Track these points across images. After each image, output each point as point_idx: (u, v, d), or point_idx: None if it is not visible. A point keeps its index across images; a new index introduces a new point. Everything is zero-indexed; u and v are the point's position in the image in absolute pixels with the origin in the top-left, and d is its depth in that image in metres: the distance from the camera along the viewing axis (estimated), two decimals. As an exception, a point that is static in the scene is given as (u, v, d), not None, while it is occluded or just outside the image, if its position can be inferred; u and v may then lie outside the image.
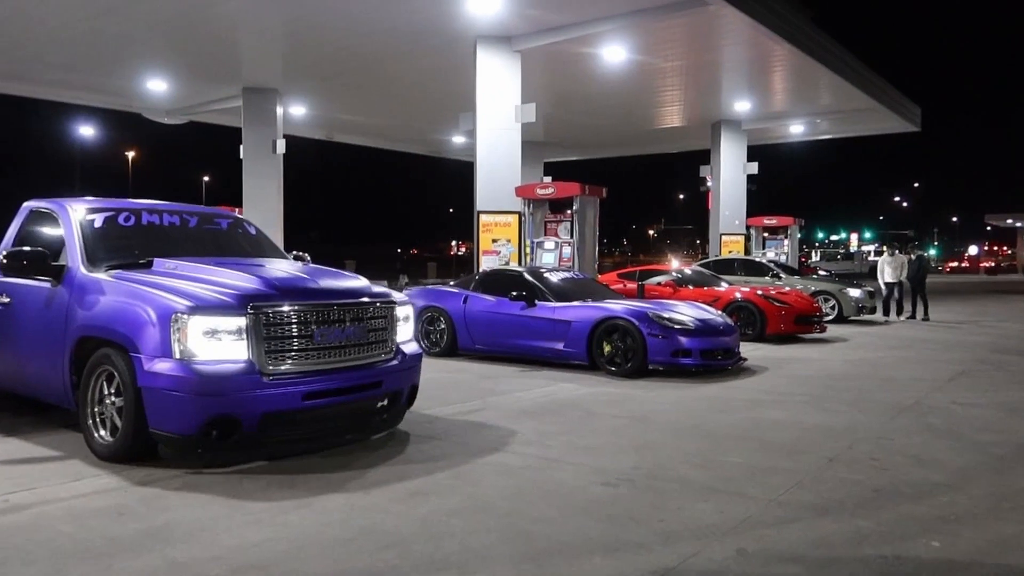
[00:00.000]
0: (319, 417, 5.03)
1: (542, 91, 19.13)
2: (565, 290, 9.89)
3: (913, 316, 16.49)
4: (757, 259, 18.48)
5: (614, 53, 14.74)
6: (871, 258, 55.94)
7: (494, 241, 13.72)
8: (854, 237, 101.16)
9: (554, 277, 10.15)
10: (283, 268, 5.42)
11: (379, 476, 4.56)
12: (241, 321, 4.67)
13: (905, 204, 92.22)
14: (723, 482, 4.44)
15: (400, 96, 18.72)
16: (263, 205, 18.00)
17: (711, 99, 19.72)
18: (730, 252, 21.39)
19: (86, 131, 30.24)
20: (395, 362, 5.49)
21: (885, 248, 17.24)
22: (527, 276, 9.98)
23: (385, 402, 5.47)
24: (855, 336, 13.36)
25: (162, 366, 4.56)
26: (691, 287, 13.59)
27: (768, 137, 24.16)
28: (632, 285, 14.05)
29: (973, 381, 8.36)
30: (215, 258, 5.61)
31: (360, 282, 5.54)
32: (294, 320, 4.85)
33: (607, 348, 8.85)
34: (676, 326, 8.63)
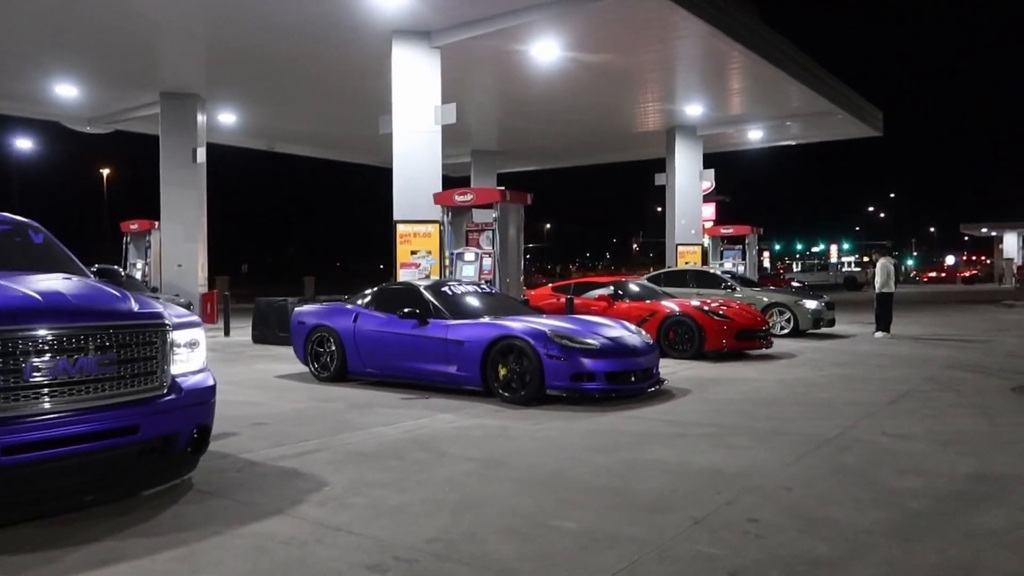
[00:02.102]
0: (38, 475, 3.88)
1: (487, 96, 18.17)
2: (465, 306, 8.78)
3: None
4: (711, 270, 17.47)
5: (546, 49, 13.73)
6: (845, 269, 55.19)
7: (413, 253, 12.61)
8: (833, 248, 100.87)
9: (455, 291, 9.04)
10: (11, 284, 4.27)
11: (78, 559, 3.40)
12: (-90, 353, 3.53)
13: (883, 215, 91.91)
14: (532, 562, 3.32)
15: (326, 100, 17.62)
16: (183, 217, 16.78)
17: (662, 103, 18.76)
18: (687, 263, 20.38)
19: (23, 144, 28.88)
20: (167, 400, 4.35)
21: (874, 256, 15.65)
22: (421, 290, 8.87)
23: (151, 450, 4.34)
24: (805, 351, 12.33)
25: None
26: (628, 301, 12.54)
27: (726, 144, 23.24)
28: (575, 300, 12.98)
29: (915, 404, 7.31)
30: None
31: (122, 303, 4.40)
32: (-6, 350, 3.71)
33: (503, 371, 7.73)
34: (578, 346, 7.53)
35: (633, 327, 8.66)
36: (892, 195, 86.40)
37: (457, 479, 4.71)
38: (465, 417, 6.86)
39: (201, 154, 16.78)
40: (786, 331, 14.94)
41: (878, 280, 14.77)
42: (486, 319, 8.29)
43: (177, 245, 16.68)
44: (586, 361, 7.48)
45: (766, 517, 3.89)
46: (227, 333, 16.39)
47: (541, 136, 22.74)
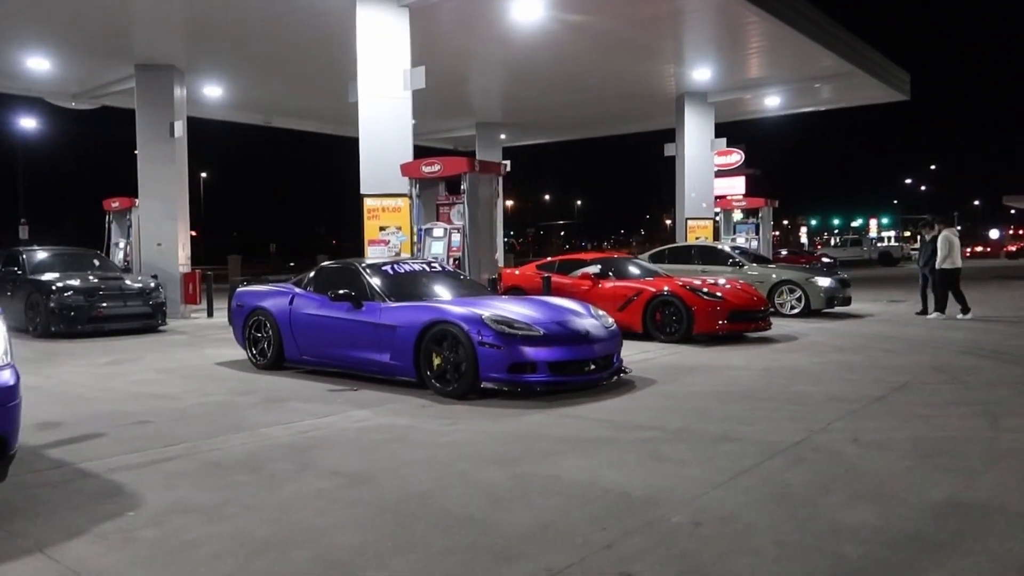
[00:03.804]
0: None
1: (485, 64, 17.15)
2: (409, 288, 7.87)
3: (924, 312, 13.63)
4: (718, 246, 16.32)
5: (528, 6, 12.63)
6: (882, 244, 53.04)
7: (382, 229, 11.72)
8: (873, 223, 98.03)
9: (400, 271, 8.14)
10: None
11: None
12: None
13: (923, 188, 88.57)
14: (286, 645, 2.43)
15: (305, 69, 16.56)
16: (162, 193, 16.02)
17: (668, 67, 17.49)
18: (697, 239, 19.19)
19: (28, 123, 28.50)
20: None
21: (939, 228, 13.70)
22: (360, 270, 7.99)
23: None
24: (810, 333, 11.23)
25: None
26: (614, 280, 11.54)
27: (742, 112, 21.78)
28: (557, 278, 12.02)
29: (908, 400, 6.24)
30: None
31: None
32: None
33: (437, 361, 6.84)
34: (517, 332, 6.58)
35: (598, 311, 7.69)
36: (932, 167, 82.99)
37: (298, 502, 3.83)
38: (379, 414, 5.99)
39: (179, 128, 16.00)
40: (796, 310, 13.81)
41: (940, 254, 13.21)
42: (425, 302, 7.39)
43: (156, 223, 15.97)
44: (528, 350, 6.55)
45: (644, 571, 2.93)
46: (210, 314, 15.75)
47: (546, 106, 21.57)
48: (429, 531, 3.39)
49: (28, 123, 28.12)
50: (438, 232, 10.95)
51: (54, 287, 11.98)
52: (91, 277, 12.66)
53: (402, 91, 11.68)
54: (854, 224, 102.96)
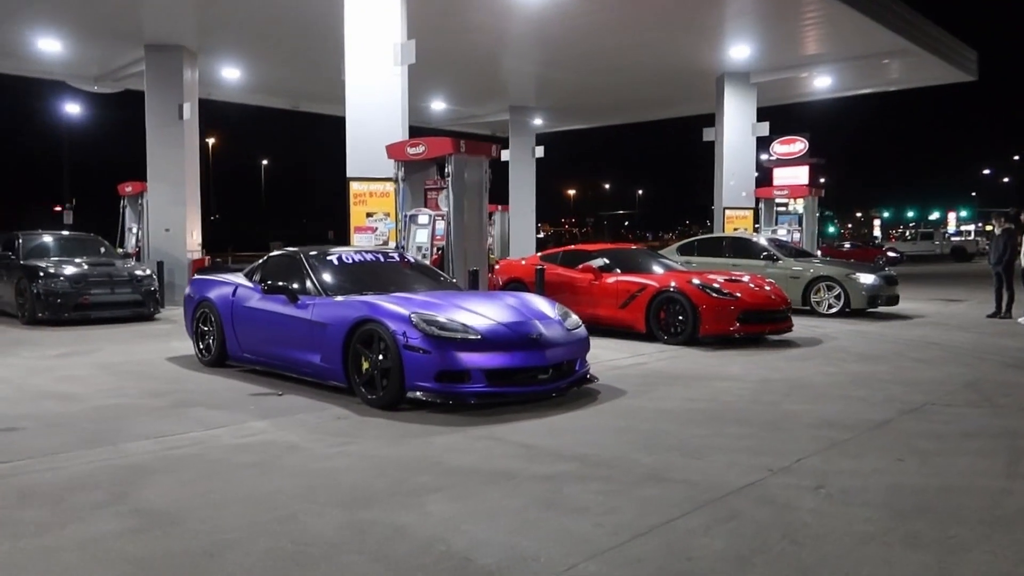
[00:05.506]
0: None
1: (516, 44, 16.18)
2: (355, 280, 7.01)
3: (997, 313, 12.19)
4: (752, 238, 15.02)
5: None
6: (957, 238, 49.80)
7: (369, 215, 10.92)
8: (951, 216, 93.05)
9: (347, 261, 7.30)
10: None
11: None
12: None
13: (1006, 179, 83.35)
14: None
15: (315, 48, 15.67)
16: (171, 178, 15.61)
17: (706, 45, 16.13)
18: (735, 229, 17.84)
19: (73, 108, 28.83)
20: None
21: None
22: (301, 259, 7.18)
23: None
24: (838, 337, 9.98)
25: None
26: (618, 273, 10.47)
27: (788, 95, 20.11)
28: (558, 271, 11.05)
29: (916, 428, 5.07)
30: None
31: None
32: None
33: (365, 365, 5.98)
34: (451, 335, 5.66)
35: (566, 311, 6.70)
36: (1016, 157, 77.94)
37: (49, 557, 3.01)
38: (277, 427, 5.17)
39: (187, 110, 15.55)
40: (835, 309, 12.50)
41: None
42: (363, 297, 6.52)
43: (164, 208, 15.58)
44: (461, 356, 5.62)
45: None
46: (218, 302, 15.27)
47: (580, 88, 20.37)
48: (160, 615, 2.53)
49: (73, 108, 28.42)
50: (423, 219, 10.09)
51: (41, 273, 11.63)
52: (83, 264, 12.27)
53: (393, 67, 10.83)
54: (932, 217, 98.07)
